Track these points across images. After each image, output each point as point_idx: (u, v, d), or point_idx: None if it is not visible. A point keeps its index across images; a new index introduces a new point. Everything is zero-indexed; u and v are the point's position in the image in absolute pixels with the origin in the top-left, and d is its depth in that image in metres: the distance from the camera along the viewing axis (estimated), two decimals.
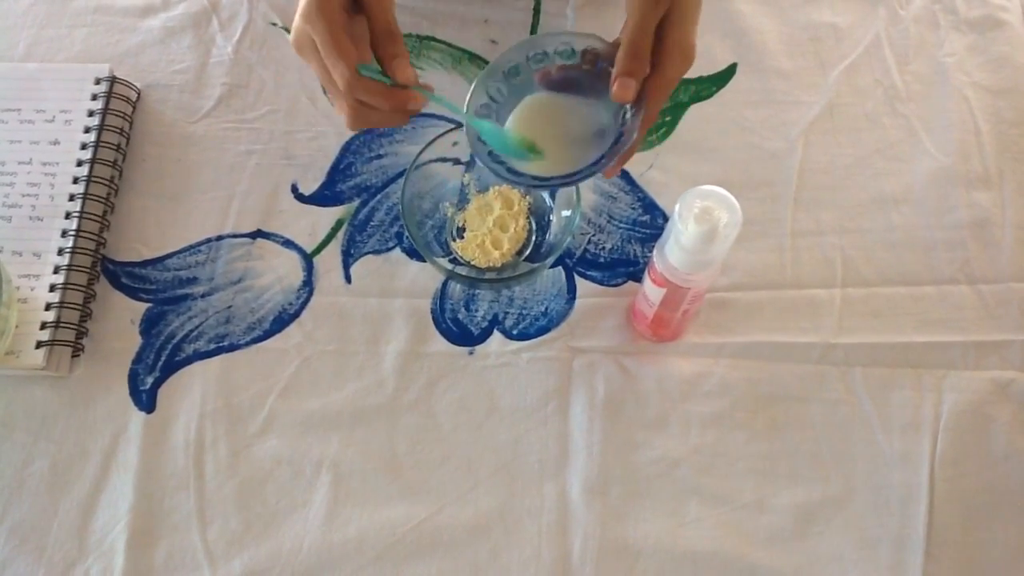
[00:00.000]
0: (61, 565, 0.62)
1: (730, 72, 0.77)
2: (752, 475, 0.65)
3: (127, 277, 0.70)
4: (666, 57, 0.57)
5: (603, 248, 0.71)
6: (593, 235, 0.72)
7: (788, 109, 0.76)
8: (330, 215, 0.72)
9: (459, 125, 0.69)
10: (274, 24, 0.80)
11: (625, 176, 0.74)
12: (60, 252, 0.68)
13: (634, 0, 0.56)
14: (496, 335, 0.69)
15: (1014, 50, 0.78)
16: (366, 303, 0.69)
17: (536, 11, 0.80)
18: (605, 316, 0.69)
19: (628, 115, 0.57)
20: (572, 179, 0.56)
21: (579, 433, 0.65)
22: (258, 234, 0.72)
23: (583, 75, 0.59)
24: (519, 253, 0.70)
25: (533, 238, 0.70)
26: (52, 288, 0.67)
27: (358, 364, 0.68)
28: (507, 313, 0.69)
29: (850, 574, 0.62)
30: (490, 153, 0.57)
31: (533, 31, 0.79)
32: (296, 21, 0.56)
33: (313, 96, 0.77)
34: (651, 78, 0.56)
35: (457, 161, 0.70)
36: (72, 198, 0.70)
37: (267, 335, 0.68)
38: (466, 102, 0.57)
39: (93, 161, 0.71)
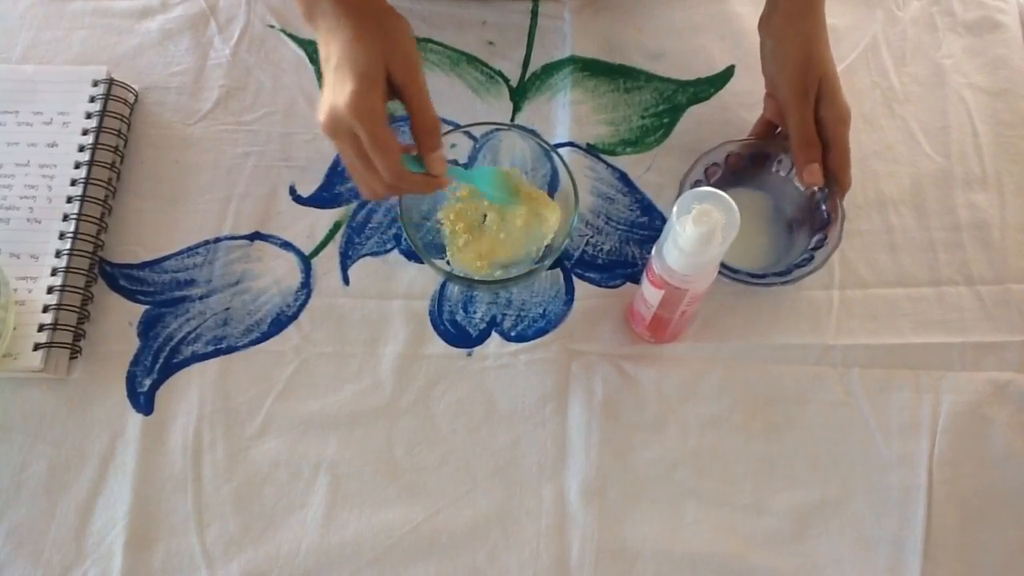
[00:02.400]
0: (59, 568, 0.62)
1: (728, 74, 0.78)
2: (750, 477, 0.65)
3: (125, 279, 0.70)
4: (833, 134, 0.66)
5: (601, 250, 0.71)
6: (591, 237, 0.72)
7: None
8: (328, 217, 0.72)
9: (457, 127, 0.69)
10: (272, 26, 0.80)
11: (623, 178, 0.74)
12: (58, 254, 0.68)
13: (786, 95, 0.66)
14: (494, 337, 0.69)
15: (1011, 52, 0.78)
16: (364, 305, 0.69)
17: (534, 14, 0.80)
18: (603, 318, 0.69)
19: (819, 195, 0.67)
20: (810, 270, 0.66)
21: (577, 435, 0.65)
22: (256, 236, 0.72)
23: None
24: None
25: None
26: (50, 290, 0.67)
27: (356, 366, 0.68)
28: (505, 315, 0.69)
29: (848, 575, 0.62)
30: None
31: (531, 34, 0.79)
32: (337, 109, 0.56)
33: (310, 98, 0.77)
34: (829, 156, 0.66)
35: (455, 163, 0.70)
36: (70, 200, 0.70)
37: (265, 337, 0.68)
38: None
39: (91, 163, 0.71)
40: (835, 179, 0.67)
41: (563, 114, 0.76)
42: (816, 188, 0.68)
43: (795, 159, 0.67)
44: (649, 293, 0.60)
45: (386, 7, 0.61)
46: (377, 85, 0.57)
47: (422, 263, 0.69)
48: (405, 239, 0.70)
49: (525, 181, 0.69)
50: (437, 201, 0.70)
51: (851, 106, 0.75)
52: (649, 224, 0.72)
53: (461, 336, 0.69)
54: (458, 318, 0.69)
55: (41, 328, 0.66)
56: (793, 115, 0.66)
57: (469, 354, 0.68)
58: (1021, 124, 0.76)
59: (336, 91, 0.57)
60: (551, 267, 0.69)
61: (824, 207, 0.67)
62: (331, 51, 0.59)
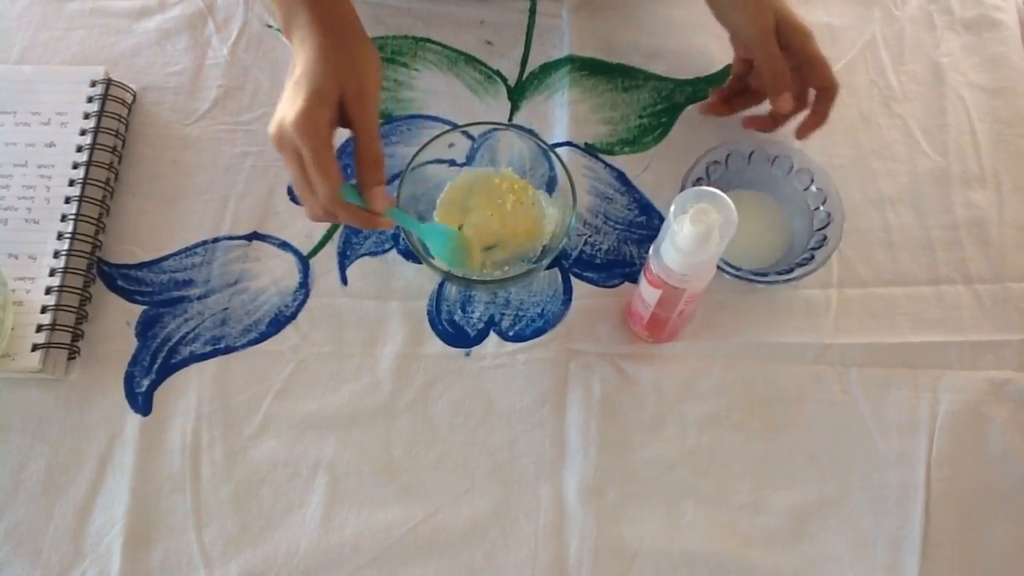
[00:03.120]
0: (57, 568, 0.62)
1: (725, 73, 0.78)
2: (748, 476, 0.65)
3: (123, 279, 0.70)
4: (801, 49, 0.68)
5: (599, 249, 0.71)
6: (589, 236, 0.72)
7: None
8: None
9: (455, 126, 0.69)
10: (269, 26, 0.80)
11: (621, 177, 0.74)
12: (56, 255, 0.68)
13: (749, 36, 0.68)
14: (492, 337, 0.69)
15: (1009, 50, 0.78)
16: (362, 305, 0.69)
17: (532, 12, 0.80)
18: (601, 317, 0.69)
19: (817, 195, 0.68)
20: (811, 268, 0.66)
21: (575, 434, 0.65)
22: (254, 236, 0.72)
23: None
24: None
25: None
26: (48, 291, 0.67)
27: (354, 366, 0.68)
28: (503, 315, 0.69)
29: (846, 574, 0.62)
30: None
31: (529, 33, 0.79)
32: (284, 122, 0.56)
33: None
34: (808, 71, 0.68)
35: (452, 163, 0.70)
36: (68, 200, 0.70)
37: (263, 337, 0.68)
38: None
39: (89, 163, 0.71)
40: (822, 86, 0.69)
41: (561, 113, 0.76)
42: (815, 188, 0.68)
43: (769, 92, 0.69)
44: (647, 292, 0.60)
45: (357, 30, 0.62)
46: (327, 106, 0.57)
47: (420, 263, 0.69)
48: (403, 239, 0.70)
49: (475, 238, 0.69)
50: (436, 200, 0.70)
51: (849, 104, 0.76)
52: (647, 223, 0.72)
53: (459, 336, 0.69)
54: (456, 318, 0.69)
55: (39, 329, 0.66)
56: (760, 53, 0.68)
57: (467, 354, 0.68)
58: (1019, 122, 0.76)
59: (288, 105, 0.57)
60: (549, 267, 0.69)
61: (824, 206, 0.67)
62: (296, 62, 0.60)
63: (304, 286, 0.70)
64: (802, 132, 0.70)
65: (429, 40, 0.79)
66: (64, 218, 0.69)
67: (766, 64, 0.68)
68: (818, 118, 0.70)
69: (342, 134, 0.60)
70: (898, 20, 0.80)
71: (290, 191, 0.73)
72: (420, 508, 0.64)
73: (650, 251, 0.58)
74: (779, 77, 0.67)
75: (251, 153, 0.74)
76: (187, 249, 0.71)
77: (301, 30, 0.60)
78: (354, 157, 0.59)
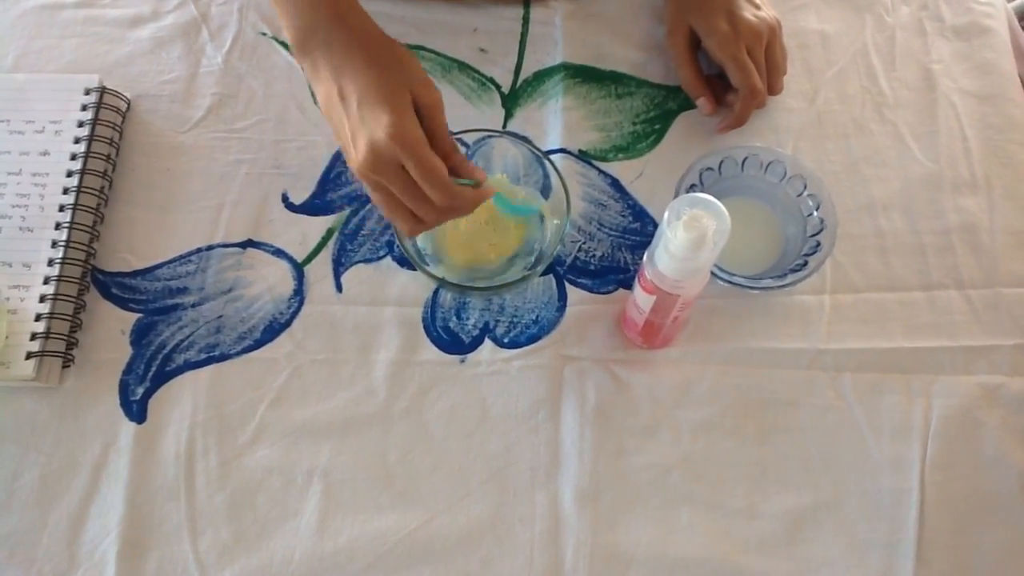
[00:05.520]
0: None
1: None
2: (743, 481, 0.65)
3: (117, 287, 0.70)
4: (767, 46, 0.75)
5: (593, 255, 0.72)
6: (583, 243, 0.72)
7: (776, 116, 0.76)
8: (320, 224, 0.72)
9: (449, 134, 0.69)
10: (264, 34, 0.80)
11: (615, 184, 0.74)
12: (50, 263, 0.68)
13: (716, 51, 0.74)
14: (487, 343, 0.69)
15: (999, 56, 0.79)
16: (357, 312, 0.69)
17: (525, 20, 0.80)
18: (596, 323, 0.69)
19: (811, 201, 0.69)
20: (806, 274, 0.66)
21: (570, 441, 0.65)
22: (248, 244, 0.72)
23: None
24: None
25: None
26: (42, 299, 0.67)
27: (349, 373, 0.68)
28: (498, 321, 0.69)
29: None
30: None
31: (522, 40, 0.79)
32: (378, 142, 0.54)
33: (302, 105, 0.77)
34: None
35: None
36: (62, 209, 0.70)
37: (258, 345, 0.68)
38: None
39: (83, 172, 0.71)
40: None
41: (555, 120, 0.76)
42: (808, 194, 0.68)
43: (743, 106, 0.73)
44: (641, 299, 0.60)
45: (385, 36, 0.60)
46: (411, 111, 0.55)
47: (415, 270, 0.69)
48: (397, 246, 0.71)
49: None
50: None
51: (841, 111, 0.76)
52: (641, 230, 0.72)
53: (454, 343, 0.69)
54: (451, 325, 0.69)
55: (33, 337, 0.65)
56: (730, 65, 0.73)
57: (462, 361, 0.68)
58: (1010, 128, 0.76)
59: (371, 126, 0.55)
60: (543, 273, 0.69)
61: (817, 212, 0.68)
62: (344, 85, 0.57)
63: (298, 293, 0.70)
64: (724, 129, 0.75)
65: (423, 47, 0.79)
66: (58, 226, 0.69)
67: (738, 75, 0.73)
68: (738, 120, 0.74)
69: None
70: (889, 27, 0.80)
71: (284, 198, 0.73)
72: (415, 515, 0.64)
73: (644, 257, 0.58)
74: (755, 79, 0.73)
75: (245, 161, 0.74)
76: (181, 257, 0.71)
77: (334, 50, 0.58)
78: (435, 147, 0.57)
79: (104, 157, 0.73)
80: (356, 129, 0.56)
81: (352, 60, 0.57)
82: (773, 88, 0.75)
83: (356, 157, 0.56)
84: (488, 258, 0.69)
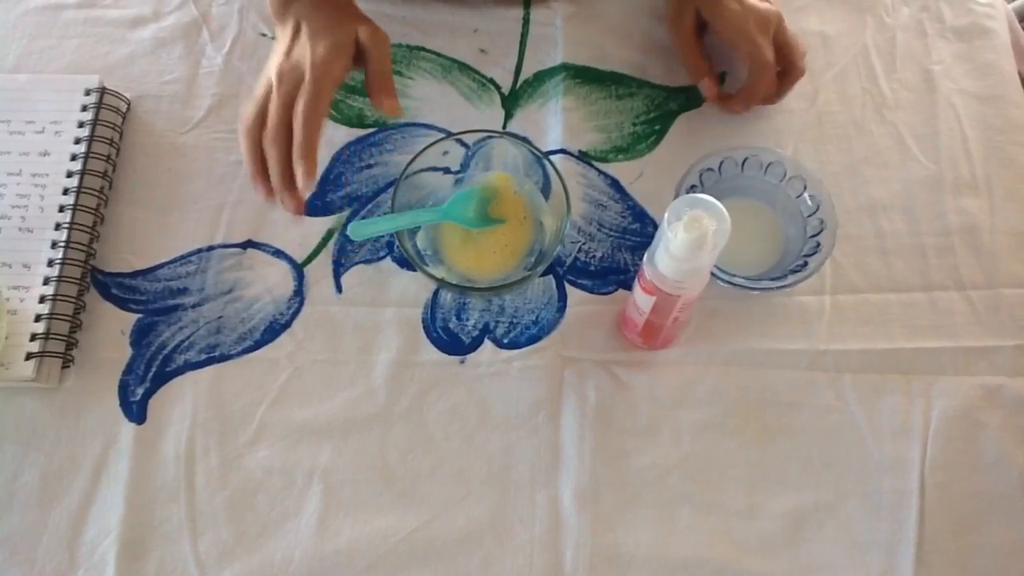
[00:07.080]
0: None
1: (719, 81, 0.78)
2: (743, 482, 0.65)
3: (117, 288, 0.70)
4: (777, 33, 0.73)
5: (593, 256, 0.72)
6: (583, 243, 0.72)
7: (776, 117, 0.76)
8: (321, 225, 0.72)
9: (449, 134, 0.69)
10: (264, 35, 0.80)
11: (615, 185, 0.74)
12: (50, 263, 0.68)
13: (736, 41, 0.72)
14: (487, 344, 0.69)
15: (1000, 57, 0.79)
16: (357, 312, 0.69)
17: (525, 21, 0.80)
18: (596, 324, 0.69)
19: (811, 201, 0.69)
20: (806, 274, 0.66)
21: (570, 441, 0.65)
22: (249, 244, 0.72)
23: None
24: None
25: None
26: (42, 299, 0.67)
27: (349, 373, 0.68)
28: (498, 322, 0.69)
29: None
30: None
31: (523, 41, 0.79)
32: (299, 57, 0.62)
33: None
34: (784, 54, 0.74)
35: (447, 170, 0.70)
36: (62, 209, 0.70)
37: (258, 345, 0.68)
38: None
39: (83, 172, 0.71)
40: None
41: (555, 121, 0.76)
42: (808, 195, 0.68)
43: (754, 80, 0.72)
44: (641, 299, 0.60)
45: (359, 11, 0.67)
46: (346, 55, 0.63)
47: (415, 271, 0.69)
48: (397, 247, 0.70)
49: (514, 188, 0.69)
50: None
51: (842, 112, 0.76)
52: (641, 231, 0.72)
53: (454, 343, 0.69)
54: (451, 325, 0.69)
55: (33, 337, 0.66)
56: (739, 40, 0.72)
57: (462, 361, 0.68)
58: (1010, 129, 0.76)
59: (304, 49, 0.62)
60: (543, 274, 0.69)
61: (817, 213, 0.68)
62: (303, 27, 0.64)
63: (299, 294, 0.70)
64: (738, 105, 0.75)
65: (423, 48, 0.79)
66: (58, 226, 0.69)
67: (757, 63, 0.72)
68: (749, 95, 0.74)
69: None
70: (890, 28, 0.80)
71: None
72: (415, 516, 0.64)
73: (644, 258, 0.58)
74: (770, 69, 0.72)
75: None
76: (181, 257, 0.71)
77: (304, 5, 0.65)
78: (365, 79, 0.65)
79: (104, 157, 0.73)
80: (294, 50, 0.63)
81: (314, 15, 0.65)
82: (797, 68, 0.73)
83: (270, 65, 0.63)
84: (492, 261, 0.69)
